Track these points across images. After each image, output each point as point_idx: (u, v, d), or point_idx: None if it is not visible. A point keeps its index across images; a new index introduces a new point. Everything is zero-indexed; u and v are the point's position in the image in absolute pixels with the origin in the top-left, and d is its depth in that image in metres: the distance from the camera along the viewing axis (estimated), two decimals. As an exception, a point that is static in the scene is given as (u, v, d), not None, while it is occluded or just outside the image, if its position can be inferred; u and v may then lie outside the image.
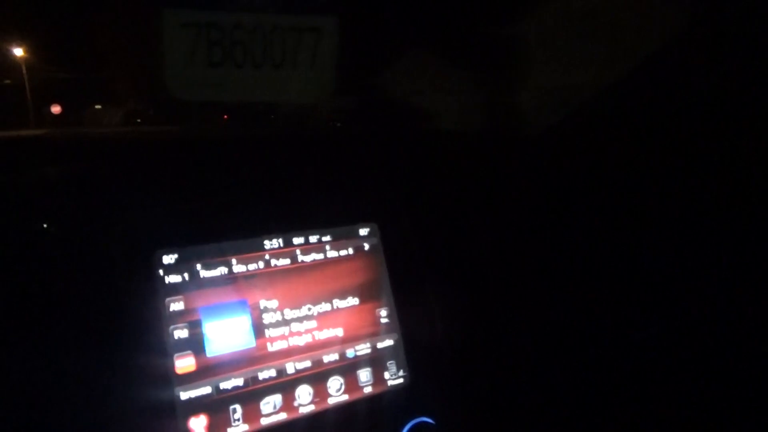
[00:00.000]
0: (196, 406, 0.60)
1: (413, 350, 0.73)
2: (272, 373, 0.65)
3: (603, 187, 0.85)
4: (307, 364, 0.67)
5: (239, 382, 0.63)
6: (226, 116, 1.01)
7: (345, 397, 0.68)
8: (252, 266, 0.67)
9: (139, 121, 1.30)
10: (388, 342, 0.73)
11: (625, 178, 0.84)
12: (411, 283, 0.75)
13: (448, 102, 0.94)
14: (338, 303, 0.71)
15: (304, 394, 0.66)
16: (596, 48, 0.81)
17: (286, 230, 0.70)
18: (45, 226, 0.59)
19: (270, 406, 0.64)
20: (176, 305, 0.62)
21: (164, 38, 0.63)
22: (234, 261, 0.66)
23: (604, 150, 0.86)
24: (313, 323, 0.69)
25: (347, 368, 0.69)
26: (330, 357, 0.69)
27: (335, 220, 0.73)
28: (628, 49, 0.78)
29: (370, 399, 0.70)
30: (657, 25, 0.74)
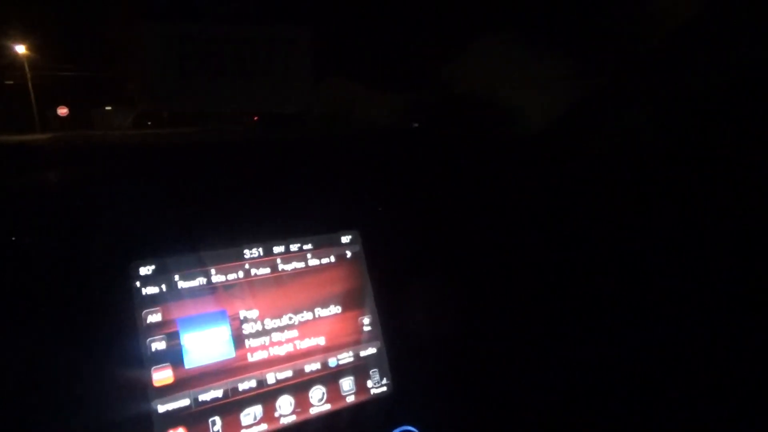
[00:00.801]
0: (174, 419, 0.60)
1: (397, 358, 0.73)
2: (252, 383, 0.64)
3: (591, 193, 0.85)
4: (289, 374, 0.67)
5: (218, 393, 0.62)
6: (256, 117, 0.98)
7: (327, 407, 0.68)
8: (231, 276, 0.66)
9: (149, 123, 1.25)
10: (371, 350, 0.72)
11: (612, 178, 0.83)
12: (394, 290, 0.74)
13: (431, 105, 0.94)
14: (320, 311, 0.70)
15: (285, 404, 0.66)
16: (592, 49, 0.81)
17: (266, 239, 0.69)
18: (13, 239, 0.58)
19: (250, 417, 0.64)
20: (153, 317, 0.61)
21: (143, 49, 0.62)
22: (213, 271, 0.65)
23: (592, 153, 0.86)
24: (294, 332, 0.68)
25: (329, 377, 0.69)
26: (312, 366, 0.68)
27: (316, 228, 0.72)
28: (627, 48, 0.78)
29: (353, 408, 0.69)
30: (657, 23, 0.75)
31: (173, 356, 0.61)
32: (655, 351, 0.75)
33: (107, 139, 0.76)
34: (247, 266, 0.67)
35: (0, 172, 0.62)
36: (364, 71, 0.90)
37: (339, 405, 0.69)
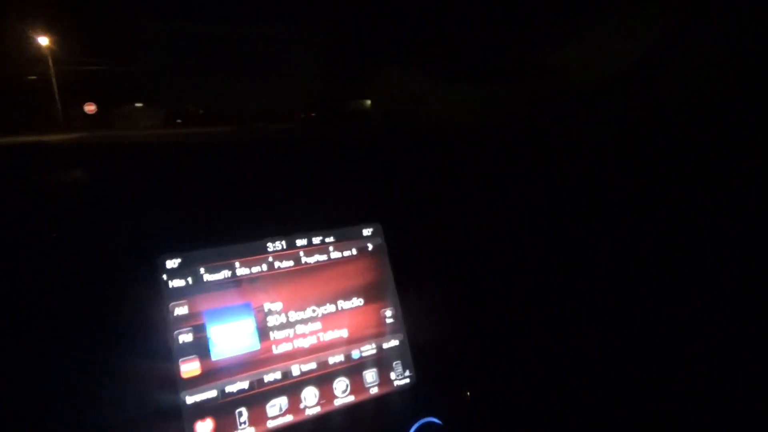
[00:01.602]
0: (202, 410, 0.60)
1: (419, 350, 0.73)
2: (277, 375, 0.65)
3: (612, 186, 0.85)
4: (313, 365, 0.67)
5: (245, 385, 0.63)
6: (313, 114, 0.97)
7: (351, 399, 0.68)
8: (255, 269, 0.67)
9: (179, 121, 1.22)
10: (394, 342, 0.72)
11: (633, 175, 0.83)
12: (416, 282, 0.75)
13: (452, 101, 0.93)
14: (343, 304, 0.71)
15: (309, 396, 0.66)
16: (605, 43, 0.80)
17: (289, 232, 0.70)
18: (52, 233, 0.59)
19: (276, 408, 0.64)
20: (180, 309, 0.62)
21: (149, 47, 0.63)
22: (237, 264, 0.66)
23: (613, 147, 0.85)
24: (317, 325, 0.69)
25: (353, 369, 0.69)
26: (335, 358, 0.69)
27: (338, 221, 0.73)
28: (636, 46, 0.77)
29: (377, 400, 0.70)
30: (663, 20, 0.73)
31: (200, 348, 0.62)
32: (680, 349, 0.75)
33: (134, 139, 0.77)
34: (270, 259, 0.68)
35: (31, 171, 0.63)
36: (438, 63, 0.86)
37: (362, 396, 0.69)
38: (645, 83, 0.78)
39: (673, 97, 0.77)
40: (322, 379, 0.67)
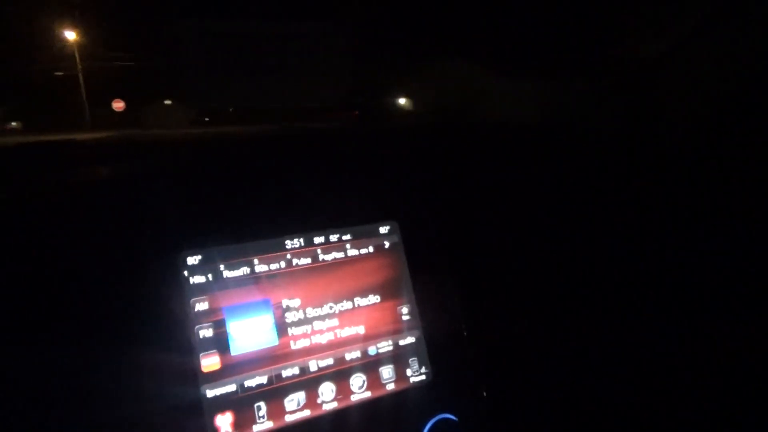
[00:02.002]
0: (222, 403, 0.62)
1: (435, 347, 0.73)
2: (295, 370, 0.66)
3: (633, 183, 0.84)
4: (330, 361, 0.68)
5: (263, 379, 0.64)
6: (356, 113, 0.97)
7: (368, 394, 0.69)
8: (274, 266, 0.68)
9: (207, 120, 1.19)
10: (410, 339, 0.73)
11: (658, 173, 0.82)
12: (432, 280, 0.75)
13: (471, 98, 0.92)
14: (360, 301, 0.71)
15: (327, 391, 0.67)
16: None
17: (306, 230, 0.71)
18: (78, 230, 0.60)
19: (294, 403, 0.65)
20: (201, 305, 0.63)
21: (180, 46, 0.64)
22: (256, 261, 0.67)
23: (632, 145, 0.85)
24: (335, 321, 0.70)
25: (369, 365, 0.70)
26: (352, 354, 0.69)
27: (355, 219, 0.73)
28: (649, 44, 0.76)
29: (393, 396, 0.70)
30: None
31: (220, 343, 0.63)
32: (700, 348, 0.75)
33: (159, 137, 0.78)
34: (288, 256, 0.69)
35: (55, 168, 0.65)
36: (500, 56, 0.83)
37: (379, 392, 0.70)
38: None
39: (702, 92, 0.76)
40: (339, 375, 0.68)
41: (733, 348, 0.72)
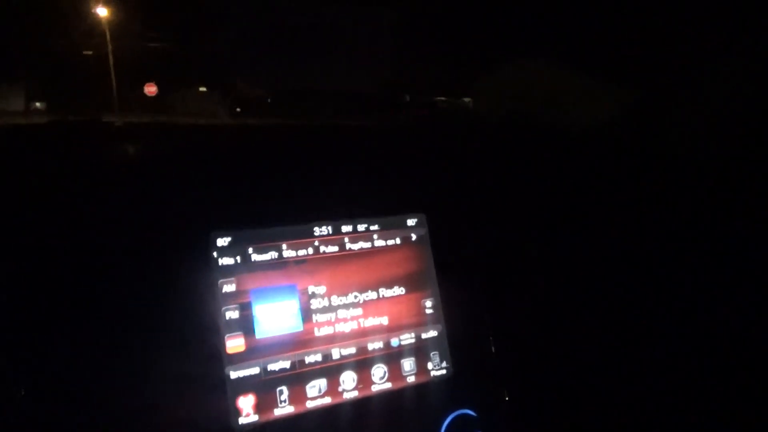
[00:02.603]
0: (244, 385, 0.62)
1: (457, 342, 0.73)
2: (318, 357, 0.66)
3: (658, 184, 0.83)
4: (352, 350, 0.68)
5: (286, 364, 0.64)
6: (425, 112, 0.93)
7: (388, 385, 0.69)
8: (302, 252, 0.68)
9: (239, 110, 1.10)
10: (433, 333, 0.73)
11: (686, 175, 0.81)
12: (457, 274, 0.75)
13: (501, 95, 0.92)
14: (384, 292, 0.71)
15: (348, 379, 0.67)
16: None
17: (335, 218, 0.70)
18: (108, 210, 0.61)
19: (315, 389, 0.65)
20: (228, 287, 0.64)
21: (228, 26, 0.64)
22: (284, 246, 0.67)
23: (662, 147, 0.84)
24: (359, 311, 0.69)
25: (391, 357, 0.70)
26: (374, 345, 0.69)
27: (384, 210, 0.73)
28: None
29: (413, 388, 0.70)
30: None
31: (245, 326, 0.63)
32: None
33: (191, 125, 0.79)
34: (316, 243, 0.69)
35: (85, 148, 0.65)
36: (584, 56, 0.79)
37: (399, 384, 0.70)
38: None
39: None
40: (361, 365, 0.68)
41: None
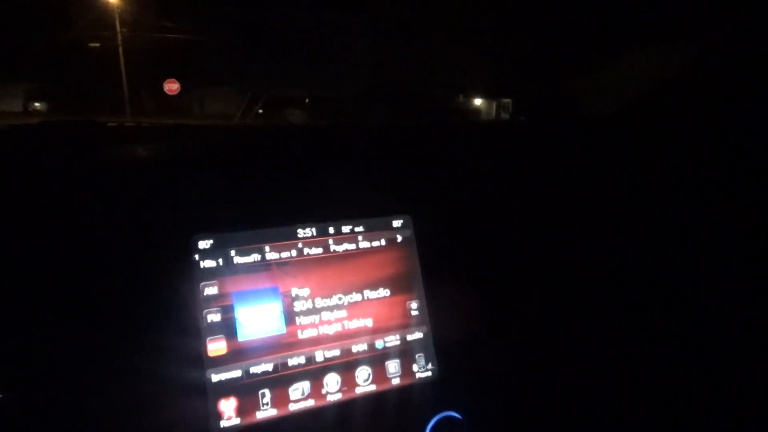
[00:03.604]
0: (226, 388, 0.62)
1: (442, 344, 0.73)
2: (301, 360, 0.66)
3: (652, 184, 0.82)
4: (336, 353, 0.68)
5: (269, 367, 0.64)
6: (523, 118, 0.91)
7: (372, 387, 0.69)
8: (285, 254, 0.68)
9: (261, 111, 1.04)
10: (418, 335, 0.72)
11: (681, 174, 0.80)
12: (442, 276, 0.74)
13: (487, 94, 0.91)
14: (369, 294, 0.71)
15: (332, 382, 0.67)
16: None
17: (319, 219, 0.70)
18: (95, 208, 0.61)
19: (298, 392, 0.65)
20: (210, 290, 0.63)
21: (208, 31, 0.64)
22: (267, 248, 0.67)
23: (655, 144, 0.83)
24: (343, 313, 0.69)
25: (376, 359, 0.70)
26: (359, 347, 0.69)
27: (369, 211, 0.73)
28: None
29: (398, 391, 0.70)
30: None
31: (227, 329, 0.63)
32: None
33: (172, 123, 0.79)
34: (300, 245, 0.69)
35: (75, 149, 0.65)
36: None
37: (384, 386, 0.69)
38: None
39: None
40: (345, 367, 0.68)
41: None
